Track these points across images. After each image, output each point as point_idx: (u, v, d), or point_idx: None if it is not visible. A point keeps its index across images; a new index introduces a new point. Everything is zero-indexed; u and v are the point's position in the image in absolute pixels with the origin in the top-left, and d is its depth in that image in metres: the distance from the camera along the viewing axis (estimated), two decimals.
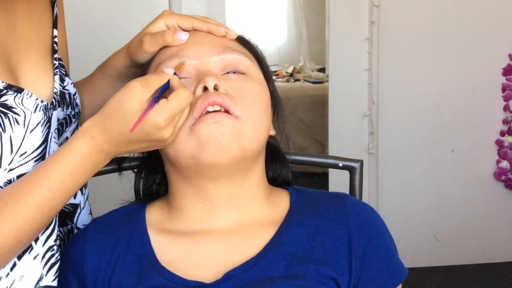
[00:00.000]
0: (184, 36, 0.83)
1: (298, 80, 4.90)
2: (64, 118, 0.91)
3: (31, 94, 0.82)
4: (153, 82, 0.76)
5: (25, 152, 0.80)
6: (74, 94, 0.94)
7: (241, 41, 0.89)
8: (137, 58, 0.90)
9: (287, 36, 5.98)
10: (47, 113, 0.85)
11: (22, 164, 0.80)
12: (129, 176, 1.00)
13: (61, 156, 0.76)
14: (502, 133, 2.67)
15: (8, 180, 0.79)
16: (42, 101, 0.84)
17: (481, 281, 2.62)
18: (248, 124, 0.78)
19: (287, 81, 4.86)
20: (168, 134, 0.75)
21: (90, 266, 0.81)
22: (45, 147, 0.84)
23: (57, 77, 0.89)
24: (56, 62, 0.91)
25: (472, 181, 2.71)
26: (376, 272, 0.82)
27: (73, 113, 0.93)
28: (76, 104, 0.95)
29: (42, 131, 0.83)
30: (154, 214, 0.86)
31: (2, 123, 0.78)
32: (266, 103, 0.83)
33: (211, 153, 0.76)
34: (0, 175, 0.78)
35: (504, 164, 2.68)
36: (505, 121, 2.66)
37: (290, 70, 5.17)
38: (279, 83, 4.60)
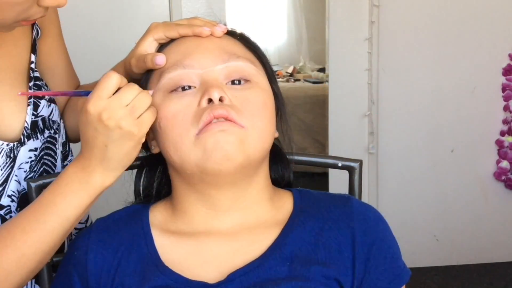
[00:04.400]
0: (161, 60, 0.82)
1: (298, 80, 4.90)
2: (46, 142, 0.94)
3: None
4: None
5: None
6: (50, 114, 0.96)
7: (243, 41, 0.88)
8: (133, 76, 0.90)
9: (287, 36, 5.98)
10: (12, 153, 0.88)
11: None
12: (132, 176, 1.00)
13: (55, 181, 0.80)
14: (502, 133, 2.67)
15: None
16: (7, 144, 0.86)
17: (481, 281, 2.62)
18: (253, 133, 0.78)
19: (287, 81, 4.86)
20: (105, 117, 0.74)
21: (94, 266, 0.81)
22: (3, 189, 0.87)
23: (29, 108, 0.91)
24: (31, 91, 0.92)
25: (472, 181, 2.71)
26: (379, 274, 0.82)
27: (52, 131, 0.95)
28: (53, 121, 0.96)
29: (2, 174, 0.87)
30: (157, 215, 0.86)
31: None
32: (271, 110, 0.83)
33: (216, 161, 0.76)
34: None
35: (504, 164, 2.68)
36: (505, 121, 2.66)
37: (290, 70, 5.16)
38: (279, 83, 4.59)
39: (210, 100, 0.78)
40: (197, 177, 0.79)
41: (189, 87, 0.80)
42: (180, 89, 0.80)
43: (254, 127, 0.78)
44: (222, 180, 0.80)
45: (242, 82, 0.81)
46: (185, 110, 0.78)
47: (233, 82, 0.81)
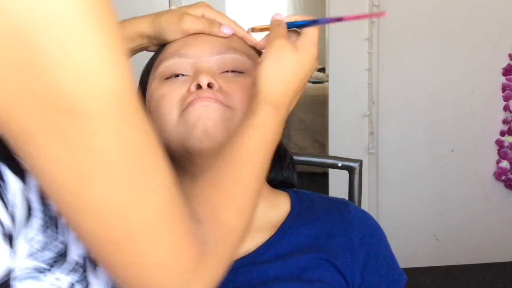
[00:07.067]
0: (228, 31, 0.83)
1: None
2: None
3: None
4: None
5: None
6: None
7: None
8: (164, 33, 0.87)
9: None
10: None
11: None
12: None
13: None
14: (502, 133, 2.66)
15: None
16: None
17: (481, 281, 2.62)
18: (240, 115, 0.75)
19: None
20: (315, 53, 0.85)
21: None
22: None
23: None
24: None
25: (472, 181, 2.71)
26: (376, 280, 0.83)
27: None
28: None
29: None
30: None
31: None
32: None
33: (198, 137, 0.74)
34: None
35: (504, 164, 2.68)
36: (505, 121, 2.66)
37: None
38: None
39: (199, 87, 0.76)
40: (187, 159, 0.77)
41: (183, 75, 0.80)
42: (174, 77, 0.80)
43: (241, 110, 0.75)
44: (207, 161, 0.74)
45: (235, 73, 0.80)
46: (172, 93, 0.78)
47: (226, 73, 0.80)
